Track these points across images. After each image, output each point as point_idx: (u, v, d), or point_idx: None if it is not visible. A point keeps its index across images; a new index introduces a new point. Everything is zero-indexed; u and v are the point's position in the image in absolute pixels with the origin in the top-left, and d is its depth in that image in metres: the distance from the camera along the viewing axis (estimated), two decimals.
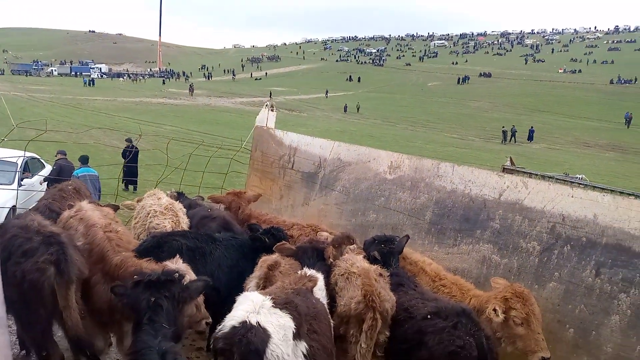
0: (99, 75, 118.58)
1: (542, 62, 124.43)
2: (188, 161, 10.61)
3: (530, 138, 48.09)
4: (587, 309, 4.43)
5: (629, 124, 55.81)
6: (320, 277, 4.40)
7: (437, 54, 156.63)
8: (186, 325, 4.16)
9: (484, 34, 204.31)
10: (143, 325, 3.14)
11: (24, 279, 3.94)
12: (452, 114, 64.87)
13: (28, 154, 11.01)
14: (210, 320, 4.25)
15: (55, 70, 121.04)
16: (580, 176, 15.72)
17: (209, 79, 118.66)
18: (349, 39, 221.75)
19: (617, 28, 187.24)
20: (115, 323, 4.45)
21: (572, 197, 4.69)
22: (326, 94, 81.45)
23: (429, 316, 4.01)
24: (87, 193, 6.76)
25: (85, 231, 4.78)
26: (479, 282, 5.19)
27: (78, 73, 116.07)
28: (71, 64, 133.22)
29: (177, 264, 4.27)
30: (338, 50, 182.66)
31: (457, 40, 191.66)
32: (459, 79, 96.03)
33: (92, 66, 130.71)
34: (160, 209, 6.11)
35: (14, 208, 9.84)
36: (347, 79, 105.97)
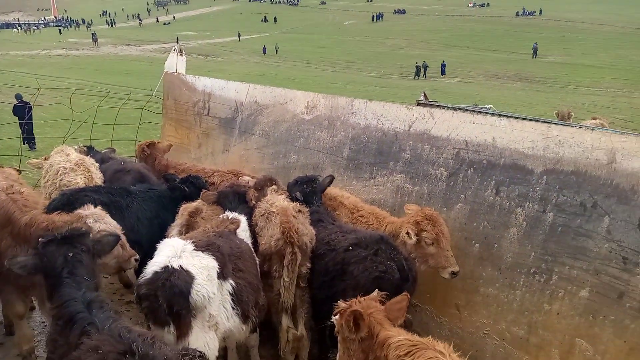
0: None
1: None
2: (95, 114, 10.01)
3: (442, 72, 49.90)
4: (490, 224, 4.85)
5: (535, 55, 59.04)
6: (243, 219, 4.47)
7: None
8: (116, 266, 4.15)
9: None
10: (63, 280, 3.05)
11: None
12: (370, 52, 65.20)
13: None
14: (138, 257, 4.24)
15: None
16: (489, 106, 16.61)
17: (112, 25, 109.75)
18: None
19: None
20: (35, 286, 4.30)
21: (474, 123, 5.01)
22: (239, 37, 78.19)
23: (350, 247, 4.20)
24: None
25: None
26: (395, 210, 5.51)
27: None
28: None
29: (90, 210, 4.16)
30: None
31: None
32: (373, 16, 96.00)
33: None
34: (70, 165, 5.80)
35: None
36: (262, 20, 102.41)
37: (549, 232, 4.42)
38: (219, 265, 3.44)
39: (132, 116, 11.67)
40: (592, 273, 4.14)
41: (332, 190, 5.67)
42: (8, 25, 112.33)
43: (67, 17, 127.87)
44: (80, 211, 4.14)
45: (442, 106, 9.02)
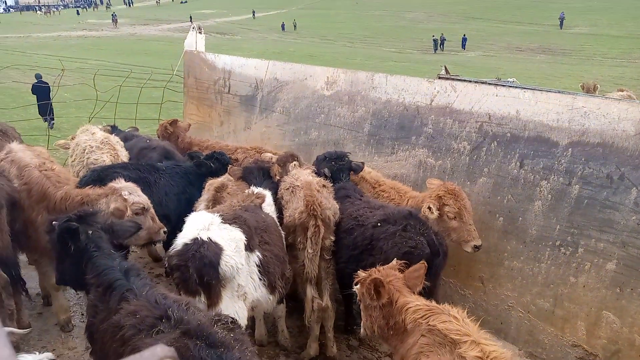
0: (5, 10, 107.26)
1: None
2: (119, 95, 10.15)
3: (463, 46, 48.88)
4: (514, 198, 4.85)
5: (562, 25, 57.24)
6: (267, 193, 4.56)
7: None
8: (147, 238, 4.30)
9: None
10: (92, 254, 3.17)
11: None
12: (388, 27, 64.11)
13: None
14: (165, 229, 4.39)
15: None
16: (512, 80, 16.30)
17: (129, 5, 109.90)
18: None
19: None
20: None
21: (497, 96, 4.96)
22: (253, 14, 77.34)
23: (379, 223, 4.22)
24: (15, 135, 6.42)
25: (19, 172, 4.62)
26: (417, 185, 5.53)
27: None
28: None
29: (122, 183, 4.30)
30: None
31: None
32: None
33: None
34: (96, 143, 5.94)
35: None
36: None
37: (575, 204, 4.41)
38: (246, 237, 3.54)
39: (154, 95, 11.79)
40: (620, 245, 4.13)
41: None
42: (29, 8, 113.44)
43: None
44: (114, 184, 4.27)
45: (464, 80, 8.92)
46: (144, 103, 11.00)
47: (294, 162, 5.25)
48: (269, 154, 5.93)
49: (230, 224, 3.53)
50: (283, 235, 4.31)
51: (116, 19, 69.93)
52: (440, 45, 48.66)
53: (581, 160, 4.40)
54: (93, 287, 3.02)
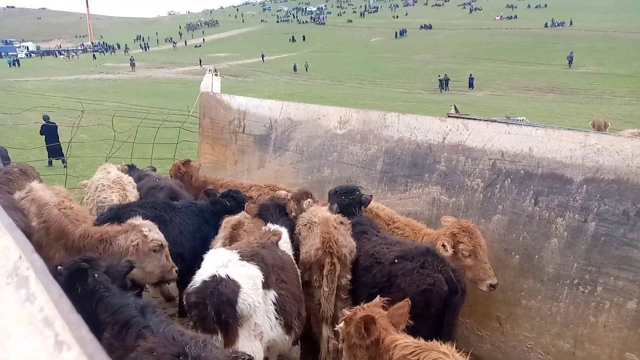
0: (27, 54, 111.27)
1: (479, 10, 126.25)
2: (135, 135, 10.38)
3: (470, 85, 49.70)
4: (529, 235, 4.82)
5: (571, 64, 57.97)
6: (284, 231, 4.58)
7: (377, 9, 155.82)
8: (159, 276, 4.32)
9: None
10: (103, 294, 3.20)
11: None
12: (397, 68, 65.34)
13: None
14: (177, 268, 4.42)
15: None
16: (521, 118, 16.43)
17: (146, 49, 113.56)
18: None
19: None
20: None
21: (509, 133, 5.01)
22: (262, 58, 79.21)
23: (396, 260, 4.20)
24: (35, 174, 6.57)
25: (38, 211, 4.72)
26: (431, 222, 5.51)
27: (3, 53, 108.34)
28: None
29: (140, 220, 4.36)
30: (277, 10, 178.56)
31: None
32: (396, 32, 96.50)
33: (18, 45, 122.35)
34: (108, 182, 6.07)
35: None
36: (290, 40, 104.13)
37: (592, 242, 4.36)
38: (263, 275, 3.54)
39: (167, 136, 12.04)
40: (639, 283, 4.05)
41: None
42: (49, 53, 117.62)
43: (103, 42, 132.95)
44: (133, 221, 4.34)
45: (474, 119, 9.02)
46: (160, 143, 11.22)
47: (308, 200, 5.30)
48: (284, 192, 5.99)
49: (248, 261, 3.55)
50: (299, 273, 4.30)
51: (134, 63, 72.16)
52: (445, 85, 49.75)
53: (596, 197, 4.38)
54: (109, 326, 3.02)
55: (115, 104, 29.63)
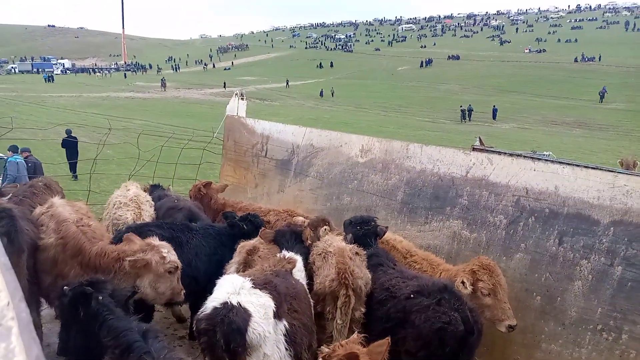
0: (63, 71, 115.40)
1: (508, 42, 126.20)
2: (160, 154, 10.53)
3: (494, 117, 49.61)
4: (552, 276, 4.66)
5: (602, 99, 57.33)
6: (298, 259, 4.52)
7: (405, 38, 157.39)
8: (169, 297, 4.31)
9: (451, 17, 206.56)
10: (106, 317, 3.20)
11: None
12: (423, 97, 65.51)
13: None
14: (184, 291, 4.41)
15: (16, 68, 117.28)
16: (548, 153, 16.21)
17: (176, 70, 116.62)
18: (317, 25, 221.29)
19: (579, 7, 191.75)
20: None
21: (535, 170, 4.90)
22: (287, 83, 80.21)
23: (412, 295, 4.09)
24: (59, 189, 6.68)
25: (57, 227, 4.76)
26: (451, 257, 5.39)
27: (40, 70, 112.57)
28: (32, 60, 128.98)
29: (157, 241, 4.36)
30: (307, 37, 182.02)
31: (425, 24, 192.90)
32: (422, 62, 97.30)
33: (55, 62, 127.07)
34: (125, 200, 6.11)
35: None
36: (317, 66, 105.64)
37: (617, 287, 4.20)
38: (275, 304, 3.48)
39: (191, 155, 12.18)
40: None
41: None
42: (83, 70, 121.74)
43: (136, 62, 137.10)
44: (152, 241, 4.35)
45: (499, 152, 8.89)
46: (183, 163, 11.35)
47: (325, 227, 5.23)
48: (301, 218, 5.94)
49: (260, 289, 3.49)
50: (312, 304, 4.22)
51: (165, 83, 74.03)
52: (468, 116, 49.79)
53: (624, 240, 4.22)
54: (110, 349, 3.01)
55: (143, 122, 30.32)
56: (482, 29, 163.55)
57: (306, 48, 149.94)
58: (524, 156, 6.76)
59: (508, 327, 4.41)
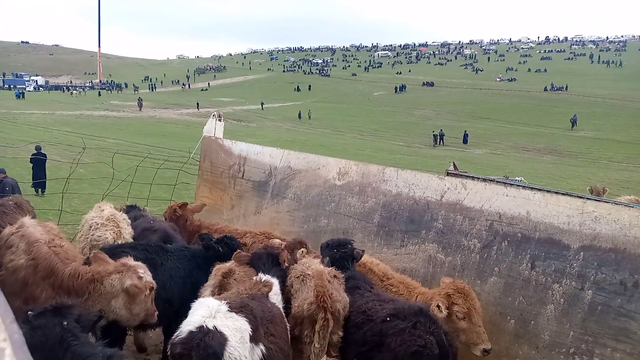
0: (36, 88, 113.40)
1: (481, 71, 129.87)
2: (134, 174, 10.38)
3: (464, 141, 51.17)
4: (526, 300, 4.74)
5: (574, 126, 59.58)
6: (275, 282, 4.49)
7: (381, 64, 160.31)
8: (143, 318, 4.22)
9: (425, 45, 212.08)
10: (71, 343, 3.12)
11: None
12: (398, 122, 66.51)
13: None
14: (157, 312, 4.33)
15: None
16: (520, 179, 16.54)
17: (152, 90, 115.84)
18: (295, 49, 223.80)
19: (547, 39, 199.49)
20: None
21: (507, 195, 5.02)
22: (262, 105, 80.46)
23: (388, 318, 4.10)
24: (30, 208, 6.50)
25: (27, 248, 4.63)
26: (426, 280, 5.44)
27: (12, 86, 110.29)
28: (3, 77, 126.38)
29: (132, 261, 4.28)
30: (284, 60, 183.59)
31: (400, 51, 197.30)
32: (396, 88, 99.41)
33: (27, 78, 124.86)
34: (102, 221, 5.97)
35: None
36: (295, 89, 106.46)
37: (588, 310, 4.29)
38: (251, 328, 3.44)
39: (166, 176, 12.04)
40: (637, 357, 3.95)
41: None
42: (57, 88, 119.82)
43: (111, 81, 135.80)
44: (127, 261, 4.26)
45: (473, 177, 9.06)
46: (158, 183, 11.21)
47: (302, 249, 5.22)
48: (278, 240, 5.92)
49: (236, 313, 3.45)
50: (288, 328, 4.18)
51: (142, 103, 73.30)
52: (440, 140, 51.24)
53: (593, 264, 4.34)
54: None
55: (117, 141, 29.91)
56: (456, 58, 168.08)
57: (284, 71, 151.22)
58: (497, 181, 6.92)
59: (483, 351, 4.46)
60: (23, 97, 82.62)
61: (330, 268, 4.65)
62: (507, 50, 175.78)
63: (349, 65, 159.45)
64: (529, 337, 4.66)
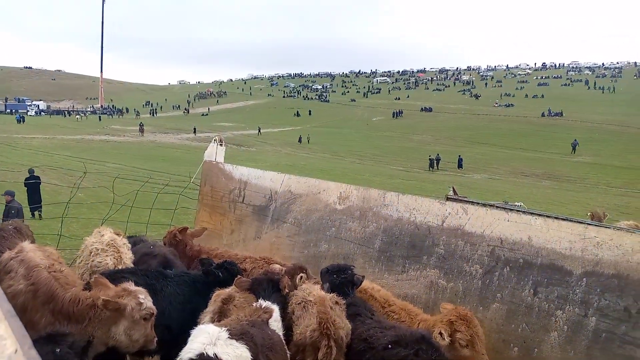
0: (37, 112, 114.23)
1: (479, 97, 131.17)
2: (135, 199, 10.37)
3: (460, 166, 51.99)
4: (529, 327, 4.68)
5: (575, 151, 60.60)
6: (275, 308, 4.43)
7: (380, 90, 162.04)
8: (142, 344, 4.15)
9: (424, 71, 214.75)
10: None
11: None
12: (397, 147, 66.93)
13: None
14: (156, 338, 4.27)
15: None
16: (519, 204, 16.54)
17: (153, 115, 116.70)
18: (295, 75, 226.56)
19: (544, 65, 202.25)
20: None
21: (508, 221, 5.01)
22: (259, 131, 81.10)
23: (390, 345, 4.05)
24: (29, 233, 6.47)
25: (27, 273, 4.59)
26: (428, 307, 5.37)
27: (14, 110, 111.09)
28: (5, 101, 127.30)
29: (132, 286, 4.24)
30: (285, 86, 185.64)
31: (399, 77, 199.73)
32: (393, 113, 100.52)
33: (29, 103, 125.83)
34: (102, 246, 5.93)
35: None
36: (294, 114, 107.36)
37: (593, 338, 4.23)
38: (252, 355, 3.39)
39: (165, 200, 12.03)
40: None
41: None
42: (58, 112, 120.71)
43: (113, 105, 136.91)
44: (128, 286, 4.23)
45: (472, 202, 9.05)
46: (157, 208, 11.19)
47: (301, 275, 5.18)
48: (278, 266, 5.87)
49: (237, 340, 3.40)
50: (288, 355, 4.11)
51: (143, 128, 73.83)
52: (436, 165, 52.18)
53: (597, 291, 4.30)
54: None
55: (117, 165, 29.97)
56: (454, 84, 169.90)
57: (284, 97, 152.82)
58: (497, 206, 6.91)
59: None
60: (24, 121, 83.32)
61: (332, 294, 4.60)
62: (505, 76, 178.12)
63: (348, 91, 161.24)
64: None
